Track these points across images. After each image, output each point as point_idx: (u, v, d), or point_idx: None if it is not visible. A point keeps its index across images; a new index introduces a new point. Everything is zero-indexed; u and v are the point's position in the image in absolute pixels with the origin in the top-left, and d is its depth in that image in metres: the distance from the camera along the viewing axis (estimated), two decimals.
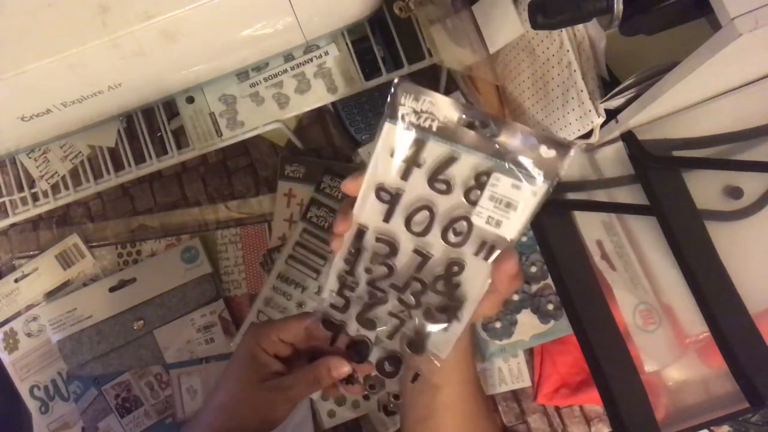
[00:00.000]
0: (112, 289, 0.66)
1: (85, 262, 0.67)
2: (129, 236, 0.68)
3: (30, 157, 0.61)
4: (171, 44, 0.46)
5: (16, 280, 0.67)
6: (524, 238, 0.62)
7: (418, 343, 0.39)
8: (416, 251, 0.36)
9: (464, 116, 0.32)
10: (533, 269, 0.61)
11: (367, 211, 0.36)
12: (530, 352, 0.64)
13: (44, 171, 0.62)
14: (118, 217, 0.69)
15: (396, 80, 0.32)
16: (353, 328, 0.39)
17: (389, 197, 0.35)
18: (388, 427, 0.63)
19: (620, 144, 0.49)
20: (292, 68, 0.58)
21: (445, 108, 0.32)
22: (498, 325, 0.61)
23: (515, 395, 0.64)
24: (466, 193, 0.34)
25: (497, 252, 0.35)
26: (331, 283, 0.38)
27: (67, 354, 0.65)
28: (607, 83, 0.49)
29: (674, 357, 0.48)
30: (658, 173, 0.46)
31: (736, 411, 0.43)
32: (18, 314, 0.67)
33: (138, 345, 0.66)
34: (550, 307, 0.61)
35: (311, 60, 0.58)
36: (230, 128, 0.58)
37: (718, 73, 0.41)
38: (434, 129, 0.32)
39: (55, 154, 0.62)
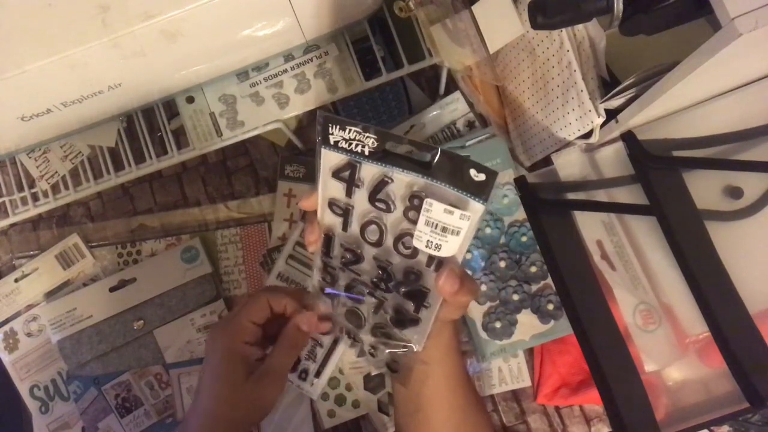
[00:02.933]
0: (112, 289, 0.66)
1: (85, 261, 0.67)
2: (129, 236, 0.68)
3: (30, 157, 0.61)
4: (171, 44, 0.46)
5: (16, 280, 0.67)
6: (524, 238, 0.62)
7: (398, 321, 0.40)
8: (375, 259, 0.37)
9: (392, 141, 0.33)
10: (533, 269, 0.61)
11: (327, 219, 0.37)
12: (530, 352, 0.64)
13: (44, 171, 0.62)
14: (118, 217, 0.69)
15: (318, 113, 0.33)
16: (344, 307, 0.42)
17: (341, 211, 0.36)
18: (388, 427, 0.63)
19: (620, 144, 0.49)
20: (292, 68, 0.58)
21: (372, 135, 0.32)
22: (498, 325, 0.61)
23: (515, 395, 0.64)
24: (405, 212, 0.34)
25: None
26: (316, 273, 0.41)
27: (67, 354, 0.65)
28: (607, 83, 0.49)
29: (674, 357, 0.48)
30: (658, 173, 0.46)
31: (736, 411, 0.43)
32: (18, 314, 0.67)
33: (138, 345, 0.66)
34: (550, 307, 0.61)
35: (311, 60, 0.58)
36: (230, 128, 0.58)
37: (718, 73, 0.41)
38: (366, 153, 0.33)
39: (55, 154, 0.62)
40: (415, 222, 0.34)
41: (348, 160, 0.33)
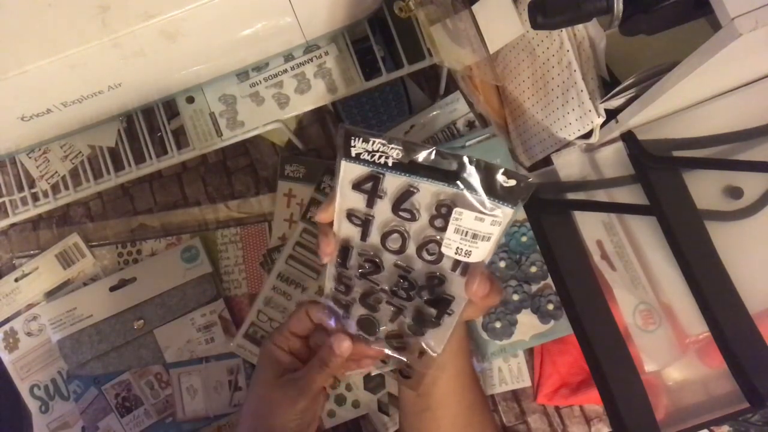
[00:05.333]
0: (112, 289, 0.66)
1: (86, 261, 0.67)
2: (129, 236, 0.68)
3: (30, 157, 0.61)
4: (171, 44, 0.46)
5: (16, 280, 0.67)
6: (524, 238, 0.62)
7: (417, 327, 0.40)
8: (396, 266, 0.37)
9: (418, 152, 0.32)
10: (533, 269, 0.61)
11: (344, 230, 0.37)
12: (530, 352, 0.64)
13: (44, 171, 0.62)
14: (118, 216, 0.69)
15: (339, 126, 0.32)
16: (359, 309, 0.41)
17: (360, 221, 0.36)
18: (388, 427, 0.63)
19: (620, 144, 0.49)
20: (292, 68, 0.58)
21: (397, 146, 0.32)
22: (498, 325, 0.61)
23: (515, 395, 0.64)
24: (431, 220, 0.34)
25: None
26: (329, 282, 0.40)
27: (67, 353, 0.65)
28: (607, 83, 0.49)
29: (674, 357, 0.48)
30: (658, 173, 0.46)
31: (736, 411, 0.43)
32: (18, 313, 0.67)
33: (138, 344, 0.66)
34: (550, 307, 0.61)
35: (311, 60, 0.58)
36: (230, 128, 0.58)
37: (718, 73, 0.41)
38: (390, 164, 0.32)
39: (55, 154, 0.62)
40: (441, 229, 0.34)
41: (370, 172, 0.33)
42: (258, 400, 0.44)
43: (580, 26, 0.47)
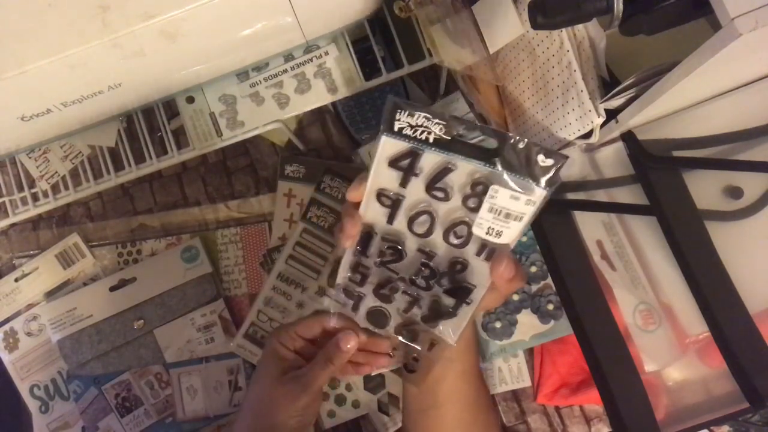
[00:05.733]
0: (112, 289, 0.66)
1: (86, 261, 0.67)
2: (129, 236, 0.68)
3: (30, 157, 0.61)
4: (171, 44, 0.46)
5: (16, 280, 0.67)
6: (524, 238, 0.62)
7: (431, 317, 0.40)
8: (420, 250, 0.37)
9: (461, 129, 0.32)
10: (533, 269, 0.61)
11: (370, 212, 0.36)
12: (530, 352, 0.64)
13: (44, 171, 0.62)
14: (118, 216, 0.69)
15: (389, 96, 0.32)
16: (370, 301, 0.41)
17: (390, 202, 0.35)
18: (388, 427, 0.63)
19: (620, 144, 0.49)
20: (292, 68, 0.58)
21: (441, 121, 0.32)
22: (498, 325, 0.61)
23: (515, 395, 0.64)
24: (464, 200, 0.34)
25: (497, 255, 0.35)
26: (343, 270, 0.40)
27: (67, 353, 0.65)
28: (607, 83, 0.49)
29: (674, 357, 0.48)
30: (658, 173, 0.45)
31: (736, 411, 0.43)
32: (18, 313, 0.67)
33: (138, 344, 0.66)
34: (550, 307, 0.61)
35: (311, 60, 0.58)
36: (230, 128, 0.58)
37: (718, 73, 0.41)
38: (430, 140, 0.32)
39: (55, 154, 0.62)
40: (473, 210, 0.34)
41: (410, 148, 0.33)
42: (260, 396, 0.44)
43: (580, 26, 0.47)
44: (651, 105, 0.42)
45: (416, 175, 0.34)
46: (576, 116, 0.49)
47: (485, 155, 0.32)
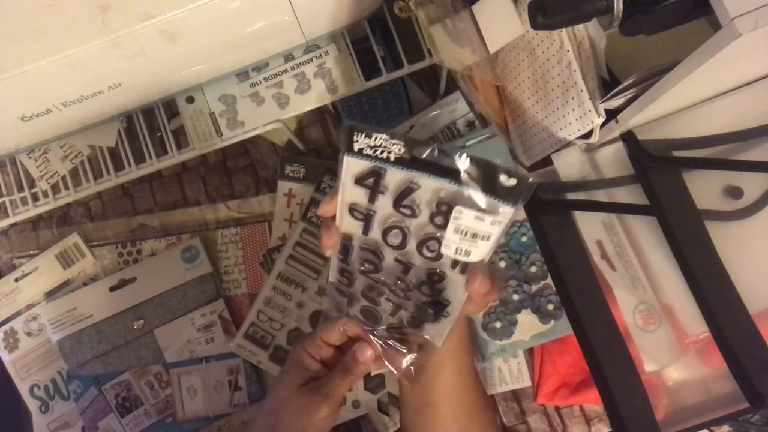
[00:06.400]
0: (112, 289, 0.66)
1: (86, 261, 0.67)
2: (129, 236, 0.68)
3: (30, 157, 0.61)
4: (171, 44, 0.46)
5: (16, 280, 0.67)
6: (524, 238, 0.62)
7: (415, 322, 0.40)
8: (397, 260, 0.37)
9: (420, 148, 0.32)
10: (533, 269, 0.61)
11: (345, 224, 0.37)
12: (530, 352, 0.64)
13: (44, 171, 0.62)
14: (118, 216, 0.69)
15: (345, 120, 0.33)
16: (360, 304, 0.42)
17: (362, 216, 0.36)
18: (388, 427, 0.63)
19: (620, 144, 0.49)
20: (292, 68, 0.58)
21: (399, 141, 0.32)
22: (498, 325, 0.61)
23: (515, 395, 0.64)
24: (431, 218, 0.34)
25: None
26: (333, 272, 0.41)
27: (67, 353, 0.65)
28: (607, 83, 0.49)
29: (674, 357, 0.48)
30: (658, 173, 0.46)
31: (736, 411, 0.43)
32: (18, 313, 0.67)
33: (138, 344, 0.66)
34: (550, 307, 0.61)
35: (311, 60, 0.58)
36: (230, 128, 0.58)
37: (718, 73, 0.41)
38: (392, 159, 0.32)
39: (55, 154, 0.62)
40: (441, 227, 0.34)
41: (372, 167, 0.33)
42: (280, 402, 0.45)
43: (580, 26, 0.47)
44: (651, 105, 0.42)
45: (382, 192, 0.34)
46: (576, 116, 0.49)
47: (448, 174, 0.32)
